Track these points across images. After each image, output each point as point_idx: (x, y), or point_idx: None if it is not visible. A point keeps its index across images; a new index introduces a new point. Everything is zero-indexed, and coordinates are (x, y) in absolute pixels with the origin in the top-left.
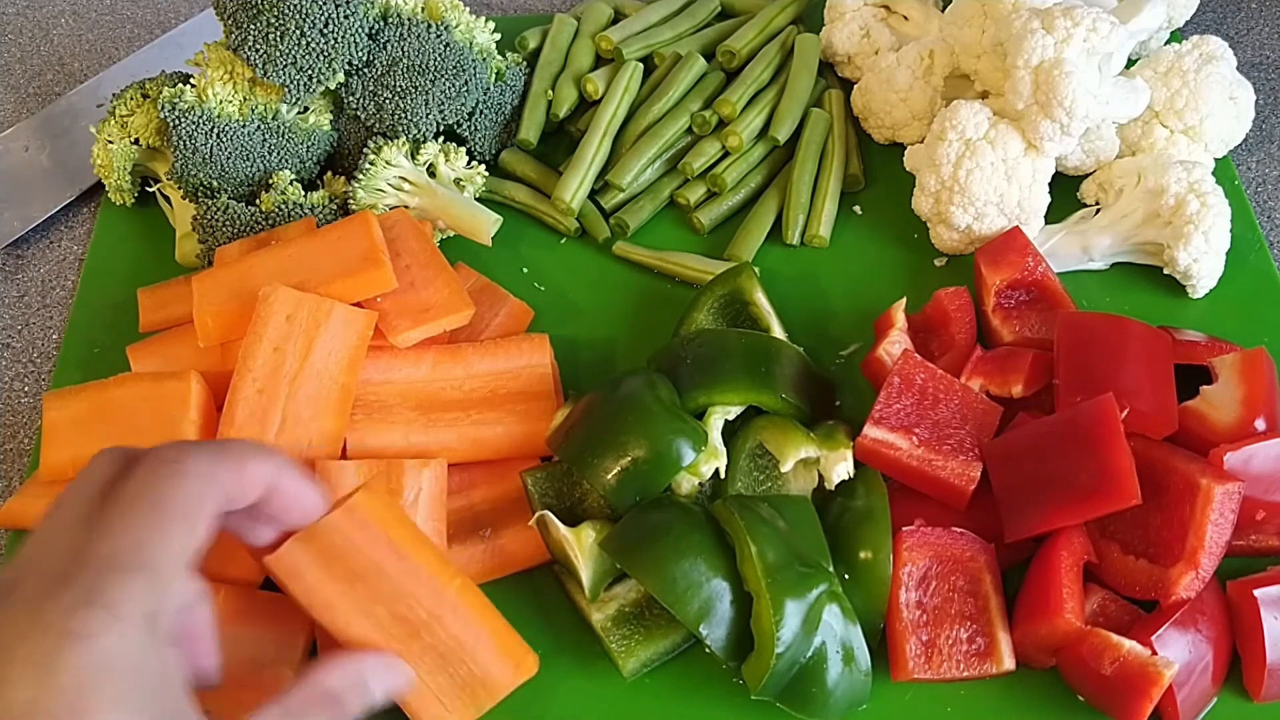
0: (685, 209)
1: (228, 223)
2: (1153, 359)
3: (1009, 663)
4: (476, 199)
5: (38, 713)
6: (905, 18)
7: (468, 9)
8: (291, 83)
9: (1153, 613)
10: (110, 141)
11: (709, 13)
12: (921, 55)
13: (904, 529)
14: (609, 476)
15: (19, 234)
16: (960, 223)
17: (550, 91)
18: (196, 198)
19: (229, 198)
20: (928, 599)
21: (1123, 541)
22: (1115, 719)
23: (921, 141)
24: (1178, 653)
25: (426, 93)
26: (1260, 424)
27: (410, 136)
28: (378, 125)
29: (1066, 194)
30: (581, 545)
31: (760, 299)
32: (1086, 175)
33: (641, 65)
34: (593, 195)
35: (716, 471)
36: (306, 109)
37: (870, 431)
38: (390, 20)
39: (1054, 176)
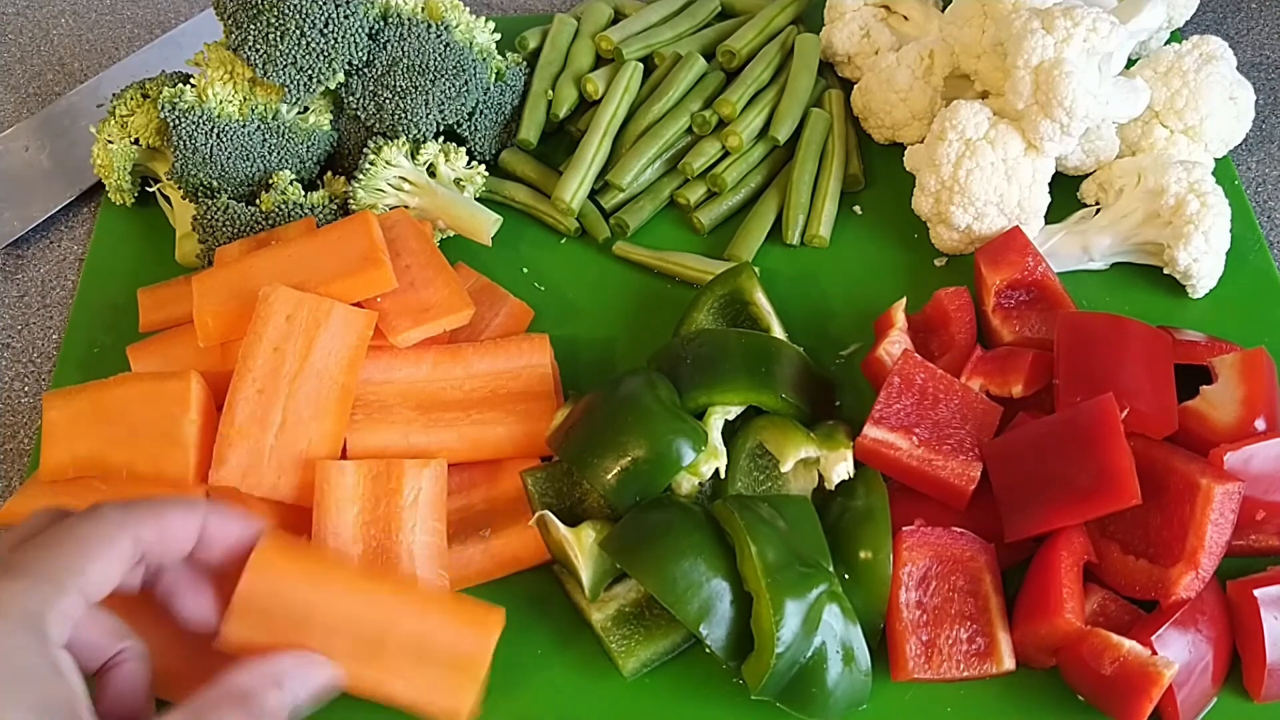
0: (685, 209)
1: (228, 223)
2: (1153, 359)
3: (1009, 663)
4: (476, 199)
5: None
6: (905, 18)
7: (468, 9)
8: (291, 83)
9: (1153, 613)
10: (110, 141)
11: (709, 13)
12: (921, 55)
13: (904, 529)
14: (609, 476)
15: (19, 234)
16: (960, 223)
17: (550, 91)
18: (196, 198)
19: (229, 198)
20: (928, 599)
21: (1123, 541)
22: (1115, 719)
23: (921, 141)
24: (1178, 653)
25: (426, 93)
26: (1260, 424)
27: (410, 136)
28: (378, 125)
29: (1066, 194)
30: (581, 545)
31: (760, 299)
32: (1086, 175)
33: (641, 65)
34: (593, 195)
35: (716, 471)
36: (306, 109)
37: (870, 431)
38: (390, 20)
39: (1054, 176)
